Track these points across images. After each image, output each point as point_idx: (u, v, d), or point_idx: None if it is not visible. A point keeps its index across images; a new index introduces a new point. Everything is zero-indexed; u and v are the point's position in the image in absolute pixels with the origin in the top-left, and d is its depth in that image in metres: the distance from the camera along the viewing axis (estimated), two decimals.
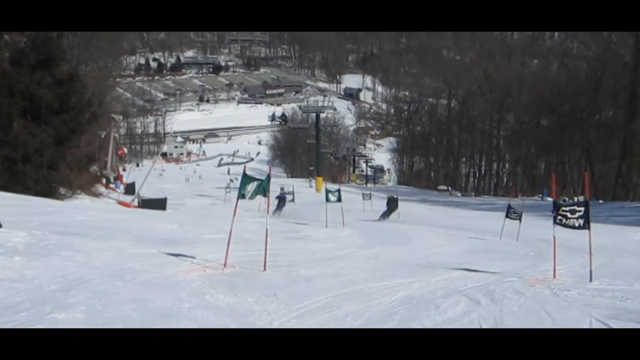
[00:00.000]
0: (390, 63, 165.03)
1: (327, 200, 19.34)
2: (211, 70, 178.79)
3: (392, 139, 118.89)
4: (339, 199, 19.80)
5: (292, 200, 28.58)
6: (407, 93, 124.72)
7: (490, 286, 7.87)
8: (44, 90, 20.47)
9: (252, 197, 8.97)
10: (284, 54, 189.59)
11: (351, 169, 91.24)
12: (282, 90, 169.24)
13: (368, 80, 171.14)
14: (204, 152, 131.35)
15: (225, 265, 8.32)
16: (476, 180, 74.51)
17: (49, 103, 20.59)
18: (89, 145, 30.63)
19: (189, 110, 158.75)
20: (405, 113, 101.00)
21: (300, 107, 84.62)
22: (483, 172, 73.72)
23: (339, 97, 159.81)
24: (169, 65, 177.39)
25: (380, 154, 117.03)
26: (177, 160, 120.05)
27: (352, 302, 6.70)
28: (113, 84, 49.73)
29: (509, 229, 15.52)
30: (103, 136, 38.25)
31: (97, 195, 27.06)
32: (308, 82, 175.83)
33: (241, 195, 8.78)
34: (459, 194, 61.80)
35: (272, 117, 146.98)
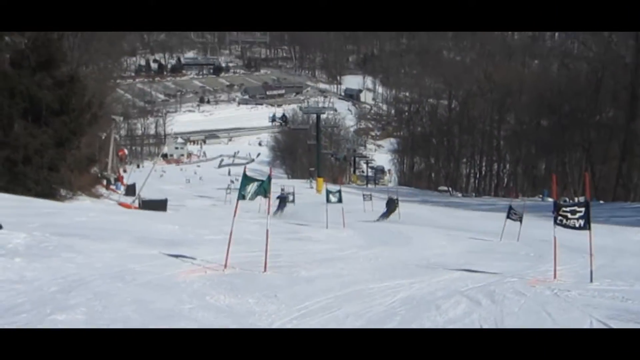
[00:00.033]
0: (391, 64, 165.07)
1: (328, 201, 19.36)
2: (211, 71, 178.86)
3: (392, 139, 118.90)
4: (340, 200, 19.82)
5: (292, 201, 28.56)
6: (407, 94, 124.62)
7: (491, 287, 7.87)
8: (44, 91, 20.49)
9: (252, 198, 8.97)
10: (284, 54, 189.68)
11: (352, 169, 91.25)
12: (283, 91, 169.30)
13: (368, 81, 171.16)
14: (204, 153, 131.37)
15: (225, 266, 8.32)
16: (477, 181, 74.51)
17: (49, 104, 20.61)
18: (90, 146, 30.67)
19: (190, 111, 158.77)
20: (406, 114, 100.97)
21: (300, 108, 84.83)
22: (483, 172, 73.72)
23: (339, 98, 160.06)
24: (169, 66, 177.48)
25: (381, 154, 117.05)
26: (177, 162, 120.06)
27: (352, 303, 6.70)
28: (113, 85, 49.75)
29: (509, 230, 15.52)
30: (103, 137, 38.29)
31: (98, 196, 27.08)
32: (308, 83, 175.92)
33: (241, 196, 8.78)
34: (460, 195, 61.79)
35: (273, 118, 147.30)
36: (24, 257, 7.53)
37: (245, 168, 10.43)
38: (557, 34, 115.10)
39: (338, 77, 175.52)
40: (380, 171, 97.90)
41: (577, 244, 10.83)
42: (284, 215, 25.07)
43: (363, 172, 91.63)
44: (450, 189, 69.03)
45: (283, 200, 27.14)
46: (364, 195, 30.81)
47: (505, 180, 70.72)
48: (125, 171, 49.14)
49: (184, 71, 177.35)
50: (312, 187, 54.46)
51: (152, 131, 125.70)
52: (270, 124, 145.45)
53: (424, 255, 11.80)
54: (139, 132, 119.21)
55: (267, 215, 9.39)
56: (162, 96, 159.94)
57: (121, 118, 52.89)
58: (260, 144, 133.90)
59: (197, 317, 5.69)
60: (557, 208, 8.80)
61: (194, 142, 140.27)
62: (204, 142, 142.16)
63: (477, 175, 75.00)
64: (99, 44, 36.45)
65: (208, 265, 8.50)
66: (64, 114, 21.08)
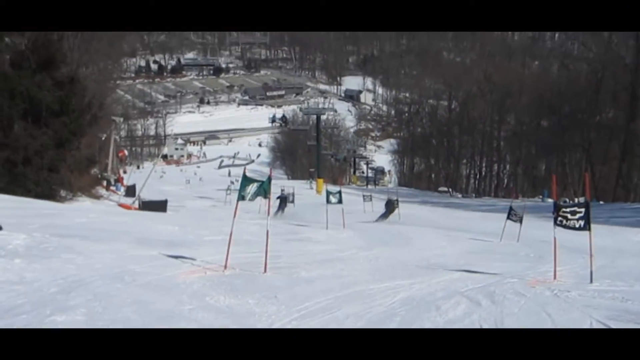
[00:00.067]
0: (391, 65, 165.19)
1: (328, 201, 19.37)
2: (211, 72, 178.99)
3: (392, 140, 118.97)
4: (340, 201, 19.82)
5: (292, 201, 28.57)
6: (407, 94, 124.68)
7: (491, 287, 7.87)
8: (44, 92, 20.50)
9: (252, 199, 8.97)
10: (284, 55, 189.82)
11: (352, 170, 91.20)
12: (283, 92, 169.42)
13: (368, 82, 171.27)
14: (204, 154, 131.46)
15: (225, 267, 8.32)
16: (477, 182, 74.46)
17: (49, 105, 20.62)
18: (90, 147, 30.67)
19: (190, 112, 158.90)
20: (406, 114, 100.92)
21: (300, 109, 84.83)
22: (483, 173, 73.69)
23: (339, 99, 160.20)
24: (169, 67, 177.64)
25: (381, 155, 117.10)
26: (177, 163, 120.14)
27: (352, 304, 6.70)
28: (113, 86, 49.80)
29: (509, 230, 15.52)
30: (103, 138, 38.31)
31: (98, 197, 27.08)
32: (308, 83, 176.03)
33: (241, 197, 8.79)
34: (460, 196, 61.80)
35: (273, 119, 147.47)
36: (24, 258, 7.53)
37: (245, 169, 10.44)
38: (557, 34, 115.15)
39: (338, 78, 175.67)
40: (380, 172, 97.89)
41: (577, 245, 10.83)
42: (284, 216, 25.06)
43: (363, 172, 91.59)
44: (450, 189, 69.03)
45: (283, 200, 27.12)
46: (364, 196, 30.81)
47: (505, 181, 70.71)
48: (125, 172, 49.15)
49: (184, 72, 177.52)
50: (312, 188, 54.44)
51: (152, 132, 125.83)
52: (270, 124, 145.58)
53: (424, 256, 11.80)
54: (139, 133, 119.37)
55: (267, 216, 9.39)
56: (162, 97, 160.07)
57: (121, 119, 52.92)
58: (260, 145, 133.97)
59: (197, 317, 5.69)
60: (557, 209, 8.81)
61: (194, 143, 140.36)
62: (204, 143, 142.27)
63: (477, 176, 74.97)
64: (99, 44, 36.47)
65: (208, 266, 8.50)
66: (64, 114, 21.09)
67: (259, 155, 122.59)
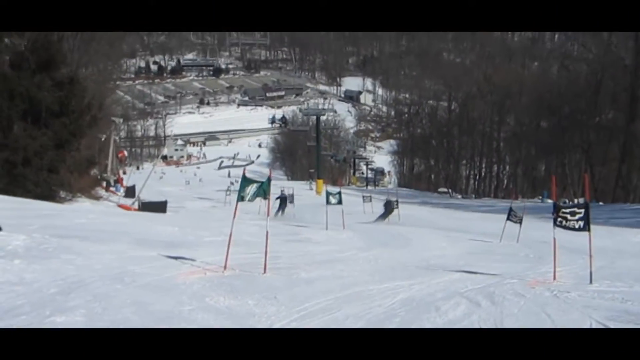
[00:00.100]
0: (391, 65, 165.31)
1: (328, 202, 19.36)
2: (211, 72, 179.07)
3: (392, 141, 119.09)
4: (340, 202, 19.82)
5: (292, 202, 28.56)
6: (407, 95, 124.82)
7: (491, 288, 7.87)
8: (44, 93, 20.51)
9: (251, 200, 8.98)
10: (284, 56, 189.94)
11: (351, 171, 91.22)
12: (283, 93, 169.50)
13: (368, 83, 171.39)
14: (204, 154, 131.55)
15: (225, 267, 8.32)
16: (476, 183, 74.47)
17: (49, 106, 20.62)
18: (89, 148, 30.68)
19: (189, 113, 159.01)
20: (406, 115, 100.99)
21: (300, 110, 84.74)
22: (483, 174, 73.70)
23: (339, 100, 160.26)
24: (169, 68, 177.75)
25: (381, 156, 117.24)
26: (177, 163, 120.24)
27: (352, 305, 6.70)
28: (113, 87, 49.77)
29: (509, 231, 15.51)
30: (103, 139, 38.31)
31: (97, 198, 27.09)
32: (308, 84, 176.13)
33: (240, 198, 8.79)
34: (459, 196, 61.80)
35: (273, 120, 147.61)
36: (24, 259, 7.53)
37: (244, 170, 10.45)
38: (556, 35, 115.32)
39: (338, 79, 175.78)
40: (380, 173, 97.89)
41: (576, 246, 10.83)
42: (284, 217, 25.05)
43: (363, 173, 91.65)
44: (450, 190, 69.05)
45: (283, 200, 27.08)
46: (363, 197, 30.80)
47: (505, 181, 70.72)
48: (124, 173, 49.15)
49: (183, 73, 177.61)
50: (311, 189, 54.44)
51: (151, 133, 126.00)
52: (270, 125, 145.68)
53: (423, 257, 11.80)
54: (139, 133, 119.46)
55: (267, 217, 9.39)
56: (161, 98, 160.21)
57: (121, 120, 53.01)
58: (260, 146, 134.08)
59: (196, 318, 5.69)
60: (556, 209, 8.81)
61: (193, 143, 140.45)
62: (204, 143, 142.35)
63: (477, 177, 75.00)
64: (98, 45, 36.43)
65: (208, 267, 8.50)
66: (64, 115, 21.10)
67: (258, 156, 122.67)
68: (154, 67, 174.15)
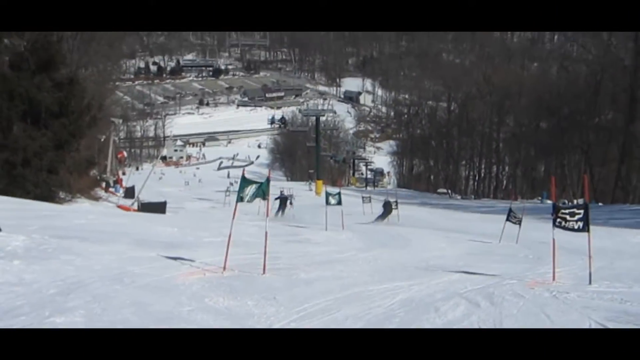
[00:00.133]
0: (390, 66, 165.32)
1: (328, 203, 19.38)
2: (211, 73, 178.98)
3: (391, 142, 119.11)
4: (339, 202, 19.84)
5: (291, 203, 28.55)
6: (406, 96, 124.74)
7: (490, 289, 7.87)
8: (43, 94, 20.50)
9: (250, 200, 8.99)
10: (283, 57, 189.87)
11: (351, 172, 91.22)
12: (282, 94, 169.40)
13: (368, 84, 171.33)
14: (203, 155, 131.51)
15: (224, 268, 8.32)
16: (476, 183, 74.50)
17: (48, 107, 20.61)
18: (89, 149, 30.65)
19: (189, 113, 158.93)
20: (405, 116, 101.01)
21: (300, 111, 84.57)
22: (483, 175, 73.73)
23: (338, 100, 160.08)
24: (168, 68, 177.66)
25: (380, 157, 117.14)
26: (176, 164, 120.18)
27: (351, 305, 6.70)
28: (113, 87, 49.71)
29: (508, 232, 15.52)
30: (103, 140, 38.28)
31: (97, 199, 27.05)
32: (308, 85, 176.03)
33: (240, 198, 8.80)
34: (459, 197, 61.85)
35: (272, 121, 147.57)
36: (23, 259, 7.53)
37: (243, 170, 10.45)
38: (556, 36, 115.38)
39: (337, 80, 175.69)
40: (379, 173, 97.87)
41: (576, 246, 10.84)
42: (284, 218, 25.05)
43: (362, 174, 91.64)
44: (449, 191, 69.07)
45: (283, 200, 27.06)
46: (363, 197, 30.80)
47: (505, 182, 70.75)
48: (124, 173, 49.11)
49: (183, 73, 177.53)
50: (311, 190, 54.42)
51: (151, 133, 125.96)
52: (269, 126, 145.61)
53: (423, 258, 11.80)
54: (138, 134, 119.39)
55: (266, 218, 9.39)
56: (161, 98, 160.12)
57: (120, 120, 52.96)
58: (259, 146, 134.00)
59: (196, 319, 5.69)
60: (556, 210, 8.81)
61: (193, 144, 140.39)
62: (203, 144, 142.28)
63: (476, 178, 75.01)
64: (98, 46, 36.38)
65: (207, 268, 8.50)
66: (63, 116, 21.09)
67: (258, 157, 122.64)
68: (153, 68, 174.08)
